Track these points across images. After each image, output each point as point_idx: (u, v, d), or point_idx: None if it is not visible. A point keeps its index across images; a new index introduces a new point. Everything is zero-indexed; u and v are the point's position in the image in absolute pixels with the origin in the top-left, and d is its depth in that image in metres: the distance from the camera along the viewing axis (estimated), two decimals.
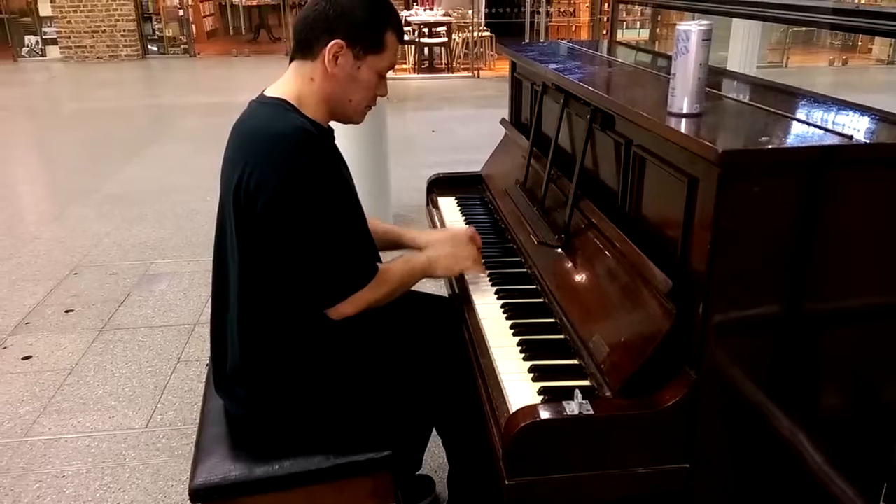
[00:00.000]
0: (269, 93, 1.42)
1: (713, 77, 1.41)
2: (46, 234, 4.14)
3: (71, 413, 2.43)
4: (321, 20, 1.36)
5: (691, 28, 1.12)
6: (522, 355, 1.33)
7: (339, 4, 1.35)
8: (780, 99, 1.44)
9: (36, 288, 3.41)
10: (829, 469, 1.16)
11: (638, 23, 10.85)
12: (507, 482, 1.08)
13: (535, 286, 1.57)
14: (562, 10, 12.45)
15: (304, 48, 1.39)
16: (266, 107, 1.39)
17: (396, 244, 1.73)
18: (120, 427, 2.36)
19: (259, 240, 1.33)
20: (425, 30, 10.16)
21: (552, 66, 1.78)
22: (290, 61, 1.43)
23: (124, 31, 11.85)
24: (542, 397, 1.20)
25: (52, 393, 2.55)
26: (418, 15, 10.39)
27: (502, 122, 2.28)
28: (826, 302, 1.08)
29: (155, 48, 12.28)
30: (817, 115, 1.22)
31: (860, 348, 1.12)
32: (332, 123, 1.48)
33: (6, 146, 6.50)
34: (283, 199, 1.29)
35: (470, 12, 10.59)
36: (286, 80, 1.42)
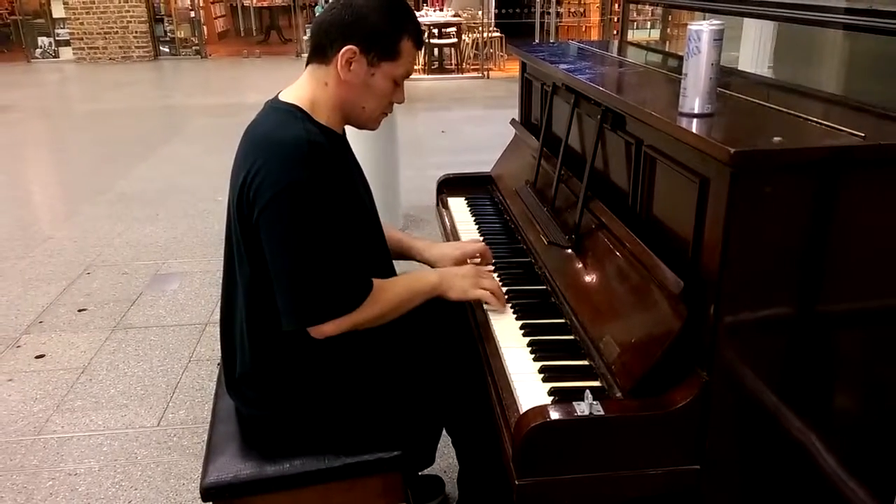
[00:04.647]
0: (283, 97, 1.40)
1: (725, 77, 1.40)
2: (59, 234, 4.17)
3: (83, 411, 2.45)
4: (336, 25, 1.34)
5: (703, 28, 1.12)
6: (532, 356, 1.33)
7: (355, 9, 1.33)
8: (793, 99, 1.44)
9: (49, 287, 3.44)
10: (841, 471, 1.15)
11: (648, 23, 10.80)
12: (517, 482, 1.08)
13: (545, 287, 1.57)
14: (572, 10, 12.42)
15: (319, 52, 1.37)
16: (277, 112, 1.38)
17: (403, 255, 1.70)
18: (132, 425, 2.37)
19: (261, 245, 1.31)
20: (435, 30, 10.18)
21: (562, 66, 1.78)
22: (307, 64, 1.41)
23: (136, 32, 11.93)
24: (552, 398, 1.20)
25: (65, 391, 2.57)
26: (428, 16, 10.40)
27: (512, 122, 2.28)
28: (838, 303, 1.07)
29: (167, 49, 12.36)
30: (830, 114, 1.22)
31: (873, 349, 1.11)
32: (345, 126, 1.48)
33: (20, 146, 6.57)
34: (275, 213, 1.27)
35: (480, 13, 10.59)
36: (301, 84, 1.41)
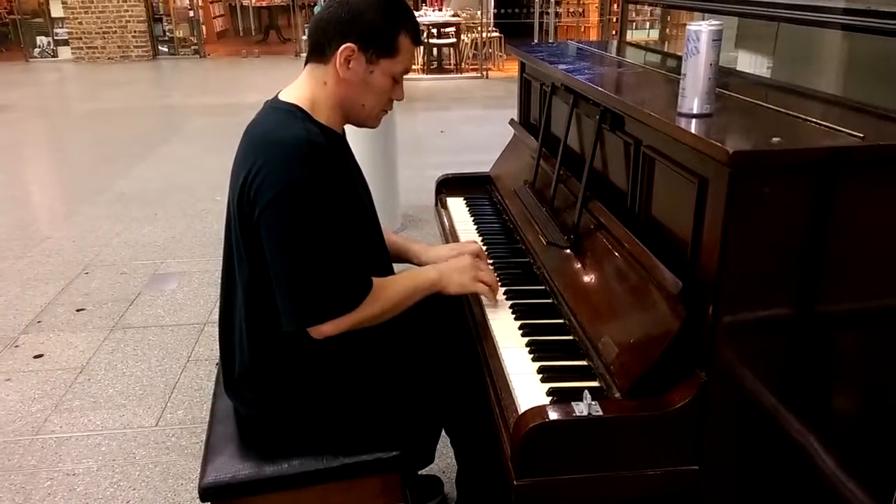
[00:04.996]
0: (283, 96, 1.40)
1: (723, 77, 1.40)
2: (58, 234, 4.17)
3: (82, 411, 2.45)
4: (334, 23, 1.34)
5: (702, 28, 1.12)
6: (531, 356, 1.33)
7: (352, 7, 1.33)
8: (792, 99, 1.44)
9: (47, 287, 3.43)
10: (839, 472, 1.15)
11: (647, 23, 10.80)
12: (515, 482, 1.08)
13: (543, 287, 1.57)
14: (571, 10, 12.42)
15: (318, 51, 1.37)
16: (277, 112, 1.38)
17: (401, 258, 1.70)
18: (130, 425, 2.37)
19: (261, 245, 1.32)
20: (434, 30, 10.17)
21: (561, 66, 1.78)
22: (305, 64, 1.41)
23: (135, 31, 11.92)
24: (550, 398, 1.20)
25: (63, 391, 2.57)
26: (427, 15, 10.40)
27: (511, 122, 2.28)
28: (837, 303, 1.07)
29: (165, 49, 12.35)
30: (829, 115, 1.22)
31: (871, 350, 1.11)
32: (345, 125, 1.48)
33: (18, 146, 6.56)
34: (275, 212, 1.27)
35: (479, 13, 10.59)
36: (300, 84, 1.41)
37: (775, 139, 1.01)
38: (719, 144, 1.00)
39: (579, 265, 1.46)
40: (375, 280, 1.38)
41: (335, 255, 1.31)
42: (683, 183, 1.14)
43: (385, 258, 1.58)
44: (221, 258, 1.48)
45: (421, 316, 1.47)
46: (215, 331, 1.53)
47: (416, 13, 10.36)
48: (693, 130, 1.11)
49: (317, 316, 1.31)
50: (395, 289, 1.42)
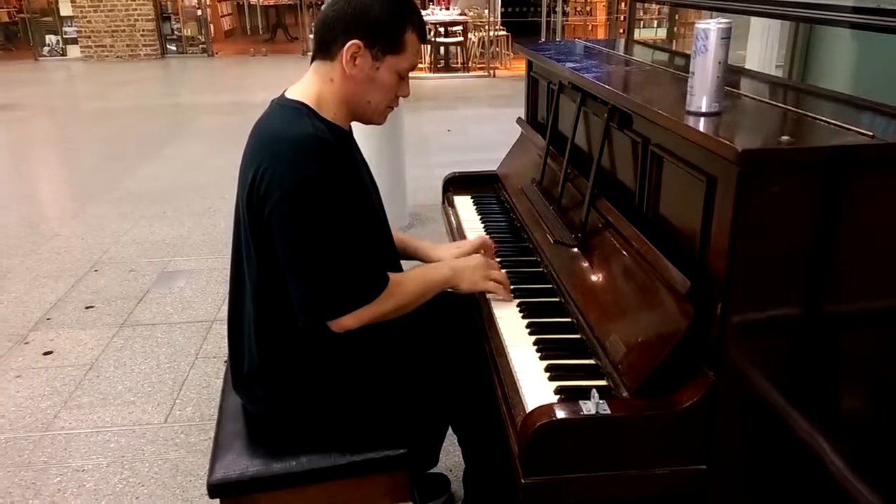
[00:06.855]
0: (289, 94, 1.41)
1: (732, 76, 1.40)
2: (67, 231, 4.19)
3: (91, 408, 2.47)
4: (340, 20, 1.35)
5: (710, 26, 1.11)
6: (539, 354, 1.33)
7: (357, 4, 1.34)
8: (800, 98, 1.43)
9: (56, 284, 3.46)
10: (848, 472, 1.15)
11: (655, 21, 10.77)
12: (523, 481, 1.08)
13: (551, 286, 1.57)
14: (578, 9, 12.39)
15: (324, 48, 1.38)
16: (284, 110, 1.38)
17: (408, 255, 1.71)
18: (139, 422, 2.39)
19: (271, 242, 1.32)
20: (441, 29, 10.17)
21: (569, 64, 1.78)
22: (311, 61, 1.42)
23: (143, 30, 11.98)
24: (558, 397, 1.20)
25: (73, 388, 2.58)
26: (434, 14, 10.40)
27: (518, 121, 2.28)
28: (846, 303, 1.07)
29: (173, 47, 12.41)
30: (838, 113, 1.21)
31: (881, 350, 1.11)
32: (352, 123, 1.49)
33: (28, 144, 6.60)
34: (287, 209, 1.28)
35: (486, 11, 10.58)
36: (306, 81, 1.41)
37: (784, 137, 1.01)
38: (728, 143, 1.00)
39: (587, 264, 1.46)
40: (392, 275, 1.40)
41: (349, 249, 1.31)
42: (692, 181, 1.14)
43: (393, 254, 1.59)
44: (230, 256, 1.48)
45: (429, 314, 1.48)
46: (224, 328, 1.54)
47: (424, 12, 10.38)
48: (702, 129, 1.11)
49: (336, 309, 1.32)
50: (410, 284, 1.43)
